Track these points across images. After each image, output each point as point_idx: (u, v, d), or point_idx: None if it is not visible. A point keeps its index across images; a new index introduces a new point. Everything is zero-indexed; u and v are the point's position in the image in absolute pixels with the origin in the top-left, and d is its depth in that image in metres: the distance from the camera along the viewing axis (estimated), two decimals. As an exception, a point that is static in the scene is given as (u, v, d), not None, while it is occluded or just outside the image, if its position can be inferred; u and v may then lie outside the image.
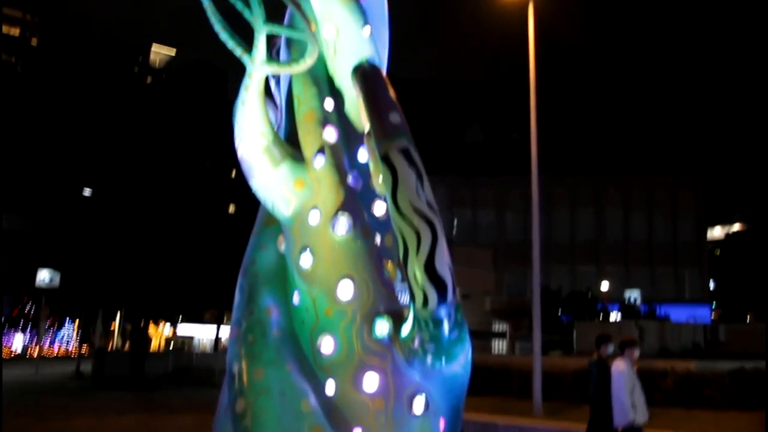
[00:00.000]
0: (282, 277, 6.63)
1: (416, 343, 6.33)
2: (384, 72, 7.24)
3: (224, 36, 6.05)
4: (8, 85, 58.46)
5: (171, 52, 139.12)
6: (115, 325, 61.83)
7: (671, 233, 64.61)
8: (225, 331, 69.56)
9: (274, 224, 6.86)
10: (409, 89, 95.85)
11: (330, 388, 6.31)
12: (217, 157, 43.99)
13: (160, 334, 57.22)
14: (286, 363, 6.28)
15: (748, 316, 61.92)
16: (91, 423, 16.73)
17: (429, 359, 6.42)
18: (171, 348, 53.04)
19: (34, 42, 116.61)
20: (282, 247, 6.76)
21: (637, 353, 10.13)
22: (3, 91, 52.68)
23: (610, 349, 10.88)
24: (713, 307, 66.62)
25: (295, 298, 6.53)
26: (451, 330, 6.23)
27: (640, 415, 9.40)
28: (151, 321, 33.76)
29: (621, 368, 9.76)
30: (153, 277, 29.41)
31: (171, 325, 46.17)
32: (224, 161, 47.98)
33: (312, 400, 6.18)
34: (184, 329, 62.40)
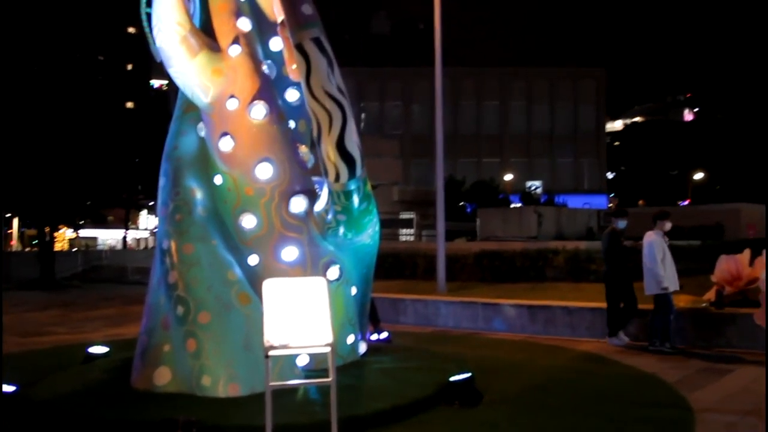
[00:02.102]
0: (204, 160, 7.12)
1: (330, 216, 7.08)
2: None
3: None
4: None
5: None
6: (13, 229, 59.65)
7: (572, 125, 67.02)
8: (135, 233, 68.55)
9: (193, 111, 7.27)
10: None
11: (253, 259, 6.98)
12: (111, 50, 41.94)
13: (62, 236, 55.70)
14: (212, 238, 6.89)
15: (640, 203, 65.70)
16: (11, 318, 16.53)
17: (341, 231, 7.20)
18: (75, 250, 52.21)
19: None
20: (202, 132, 7.20)
21: (668, 225, 10.21)
22: None
23: (621, 223, 10.84)
24: (611, 196, 70.47)
25: (217, 179, 7.06)
26: (360, 201, 7.02)
27: (671, 284, 9.66)
28: (50, 227, 32.65)
29: (651, 238, 9.93)
30: (52, 180, 28.47)
31: (73, 230, 45.15)
32: (118, 54, 45.64)
33: (237, 270, 6.86)
34: (88, 231, 61.44)
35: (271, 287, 5.14)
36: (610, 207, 63.35)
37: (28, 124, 28.13)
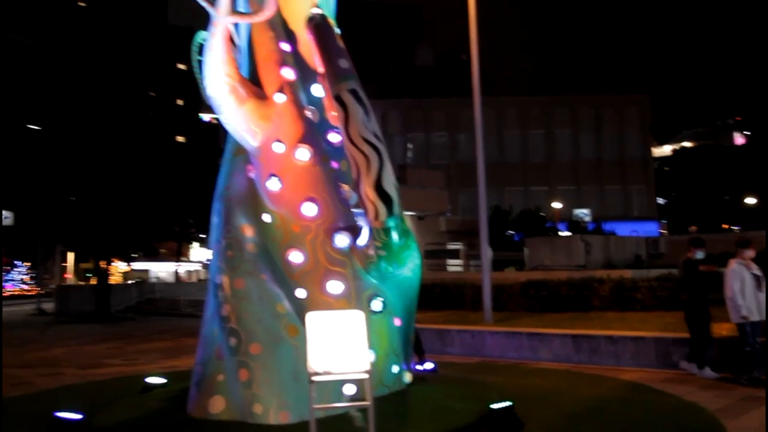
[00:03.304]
0: (253, 199, 7.59)
1: (371, 251, 7.48)
2: (332, 19, 8.25)
3: None
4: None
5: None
6: (69, 263, 61.33)
7: (618, 152, 66.43)
8: (186, 265, 69.94)
9: (243, 153, 7.77)
10: (356, 13, 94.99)
11: (300, 293, 7.37)
12: (162, 86, 43.25)
13: (116, 269, 57.25)
14: (261, 273, 7.33)
15: (692, 229, 64.49)
16: (69, 351, 17.34)
17: (383, 265, 7.57)
18: (130, 282, 53.95)
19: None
20: (252, 173, 7.68)
21: (749, 253, 9.95)
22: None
23: (699, 254, 10.61)
24: (662, 223, 69.36)
25: (266, 218, 7.50)
26: (399, 238, 7.44)
27: (752, 312, 9.41)
28: (105, 261, 33.66)
29: (731, 267, 9.73)
30: (107, 214, 29.40)
31: (126, 263, 46.50)
32: (169, 90, 47.05)
33: (286, 303, 7.26)
34: (140, 264, 63.09)
35: (313, 319, 5.56)
36: (662, 233, 62.45)
37: (84, 160, 29.24)
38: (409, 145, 63.40)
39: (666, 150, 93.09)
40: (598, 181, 65.96)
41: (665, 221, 70.54)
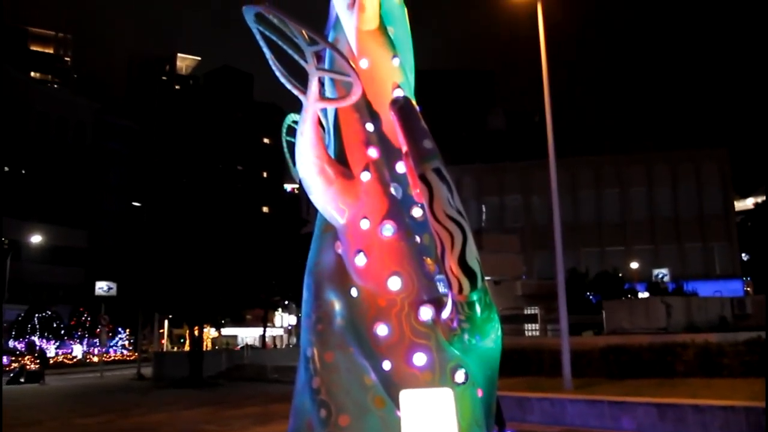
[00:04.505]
0: (341, 274, 7.96)
1: (455, 323, 7.68)
2: (413, 99, 8.68)
3: (284, 81, 7.39)
4: (49, 103, 60.79)
5: (196, 59, 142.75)
6: (164, 330, 64.23)
7: (697, 208, 64.75)
8: (270, 331, 71.66)
9: (331, 230, 8.20)
10: (429, 81, 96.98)
11: (386, 365, 7.62)
12: (248, 159, 45.19)
13: (207, 335, 59.60)
14: (350, 346, 7.65)
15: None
16: (168, 417, 18.23)
17: (466, 337, 7.75)
18: (217, 348, 56.09)
19: (67, 59, 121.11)
20: (339, 249, 8.08)
21: None
22: (10, 104, 54.77)
23: None
24: (747, 281, 66.55)
25: (353, 292, 7.85)
26: (482, 311, 7.61)
27: None
28: (197, 326, 35.12)
29: None
30: (200, 283, 30.72)
31: (216, 328, 48.43)
32: (255, 163, 49.20)
33: (372, 375, 7.53)
34: (228, 330, 65.29)
35: (407, 397, 5.85)
36: (748, 292, 59.95)
37: (179, 234, 30.86)
38: (483, 209, 63.56)
39: (748, 203, 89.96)
40: (676, 240, 64.49)
41: (750, 279, 67.79)
